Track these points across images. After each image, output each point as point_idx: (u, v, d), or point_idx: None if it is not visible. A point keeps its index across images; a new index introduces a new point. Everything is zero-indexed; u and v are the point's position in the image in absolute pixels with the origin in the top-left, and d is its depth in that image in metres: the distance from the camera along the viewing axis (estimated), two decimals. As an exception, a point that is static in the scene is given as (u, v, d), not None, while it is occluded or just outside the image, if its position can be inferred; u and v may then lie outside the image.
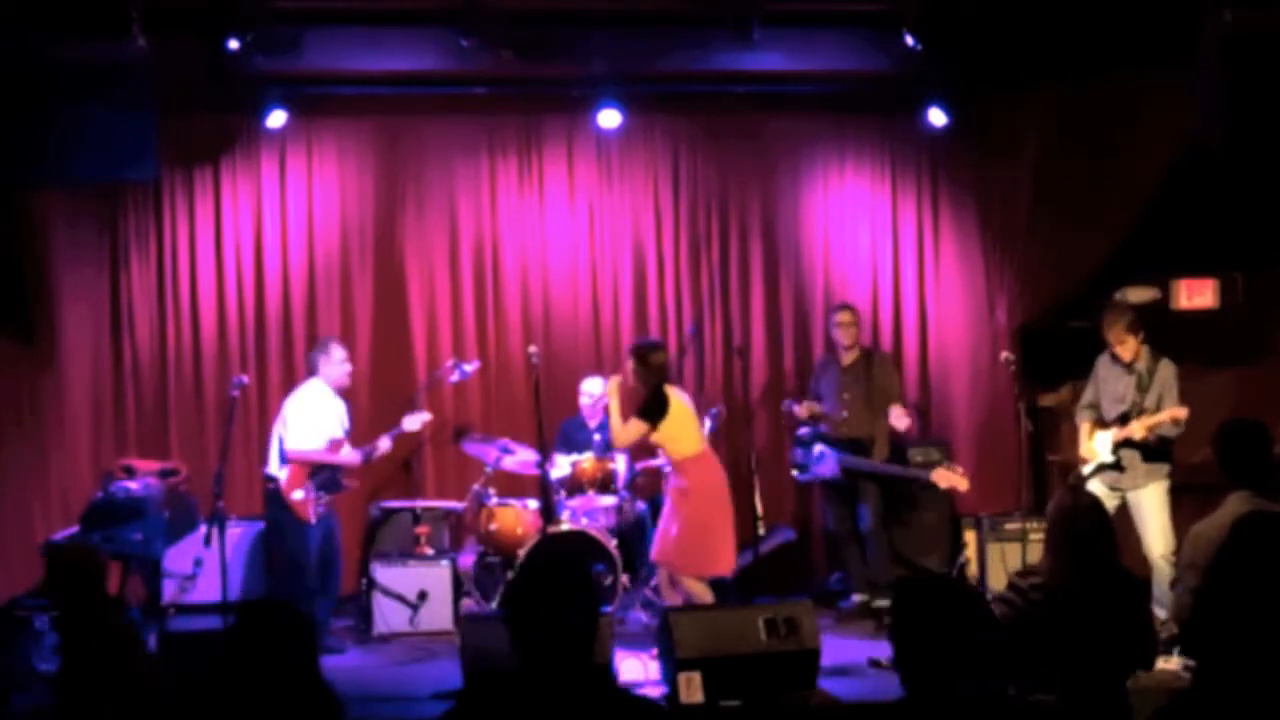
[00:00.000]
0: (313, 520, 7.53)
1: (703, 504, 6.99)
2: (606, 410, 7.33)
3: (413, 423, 7.99)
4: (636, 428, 6.98)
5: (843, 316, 8.43)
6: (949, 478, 7.89)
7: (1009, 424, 8.68)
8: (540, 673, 2.84)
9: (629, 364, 7.11)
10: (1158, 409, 7.32)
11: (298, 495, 7.54)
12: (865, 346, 8.63)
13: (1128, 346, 7.44)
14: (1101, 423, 7.56)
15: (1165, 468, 7.37)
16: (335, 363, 7.76)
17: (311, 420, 7.65)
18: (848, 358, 8.46)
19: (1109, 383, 7.55)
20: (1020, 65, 8.36)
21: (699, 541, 6.97)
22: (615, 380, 7.16)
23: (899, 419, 8.14)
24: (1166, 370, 7.41)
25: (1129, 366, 7.46)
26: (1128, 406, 7.40)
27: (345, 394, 7.96)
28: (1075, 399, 8.87)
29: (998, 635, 2.99)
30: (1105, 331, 7.53)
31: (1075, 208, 8.65)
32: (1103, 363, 7.65)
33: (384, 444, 7.87)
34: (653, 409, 6.96)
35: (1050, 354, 8.98)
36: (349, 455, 7.73)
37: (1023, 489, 8.50)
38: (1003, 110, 8.86)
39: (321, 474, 7.60)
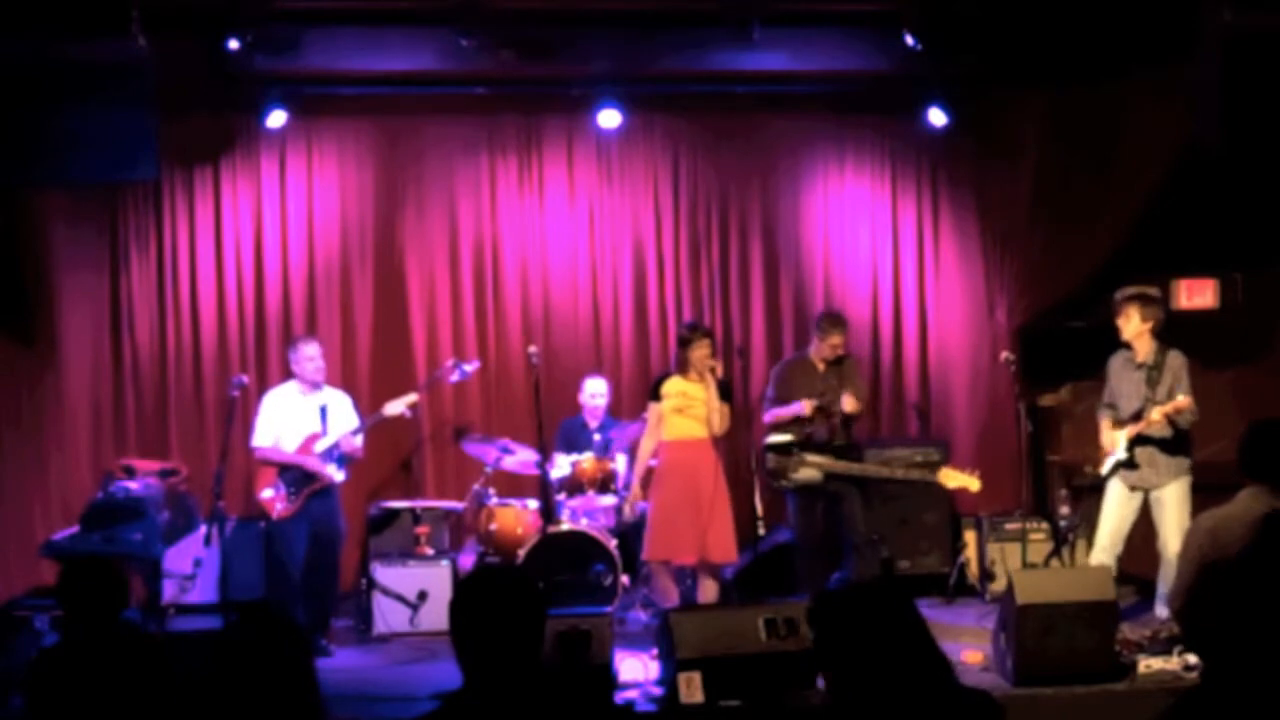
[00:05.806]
0: (274, 517, 7.47)
1: (665, 488, 7.21)
2: (710, 410, 7.20)
3: (395, 406, 7.74)
4: (727, 409, 7.26)
5: (837, 339, 7.82)
6: (958, 477, 7.55)
7: (1009, 424, 8.69)
8: (484, 684, 2.84)
9: (704, 347, 7.18)
10: (1169, 400, 7.24)
11: (265, 494, 7.53)
12: None
13: (1132, 327, 7.33)
14: (1120, 422, 7.44)
15: (1187, 463, 7.27)
16: (302, 360, 7.64)
17: (263, 421, 7.63)
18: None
19: (1121, 382, 7.49)
20: (1020, 65, 8.35)
21: (659, 525, 7.19)
22: (705, 382, 7.21)
23: (849, 402, 7.72)
24: (1175, 361, 7.34)
25: (1139, 364, 7.39)
26: (1140, 403, 7.33)
27: (346, 392, 7.94)
28: (1075, 399, 8.87)
29: (926, 639, 2.98)
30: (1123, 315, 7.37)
31: (1075, 208, 8.64)
32: (1115, 362, 7.55)
33: (352, 441, 7.63)
34: (729, 389, 7.42)
35: (1050, 354, 8.98)
36: (308, 458, 7.54)
37: (1023, 489, 8.50)
38: (1003, 110, 8.86)
39: (290, 471, 7.55)
